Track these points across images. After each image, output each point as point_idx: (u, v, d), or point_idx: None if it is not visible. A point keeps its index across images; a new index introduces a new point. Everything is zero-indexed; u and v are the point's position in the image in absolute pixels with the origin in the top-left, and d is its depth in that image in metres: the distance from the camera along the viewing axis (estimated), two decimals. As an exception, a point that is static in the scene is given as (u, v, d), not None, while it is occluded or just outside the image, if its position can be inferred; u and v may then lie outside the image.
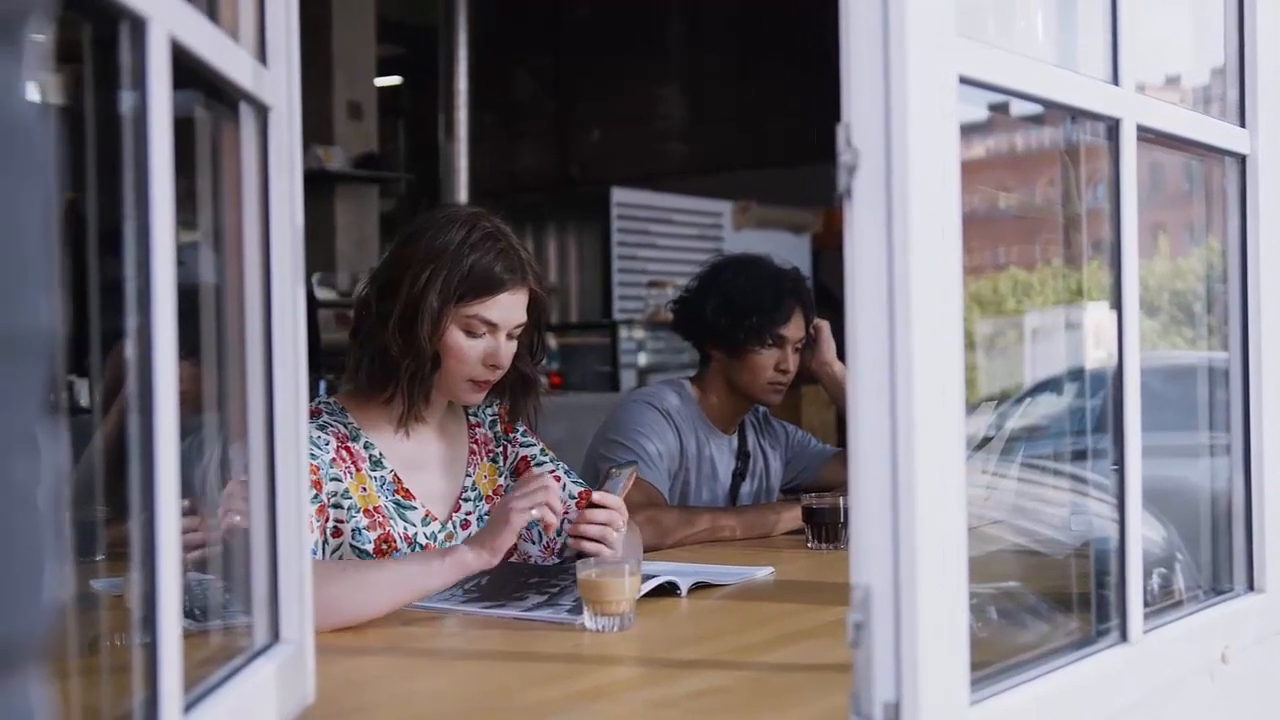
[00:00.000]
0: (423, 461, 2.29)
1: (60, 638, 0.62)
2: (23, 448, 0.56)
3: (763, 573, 2.34)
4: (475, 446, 2.38)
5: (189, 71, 1.13)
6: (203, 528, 1.44)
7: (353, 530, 2.15)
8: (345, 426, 2.21)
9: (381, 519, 2.18)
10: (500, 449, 2.41)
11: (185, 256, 1.11)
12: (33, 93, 0.59)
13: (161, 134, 1.02)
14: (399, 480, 2.23)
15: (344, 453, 2.16)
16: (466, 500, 2.33)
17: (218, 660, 1.29)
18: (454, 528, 2.29)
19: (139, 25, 1.00)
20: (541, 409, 2.40)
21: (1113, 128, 1.53)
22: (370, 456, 2.22)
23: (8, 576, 0.56)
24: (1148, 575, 1.64)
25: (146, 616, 1.00)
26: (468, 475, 2.34)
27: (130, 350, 1.01)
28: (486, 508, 2.34)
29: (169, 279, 1.03)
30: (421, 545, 2.22)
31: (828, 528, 2.64)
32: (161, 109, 1.02)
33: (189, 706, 1.08)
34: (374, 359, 2.20)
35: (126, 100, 1.02)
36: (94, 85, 1.07)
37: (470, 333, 2.20)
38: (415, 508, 2.23)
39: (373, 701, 1.57)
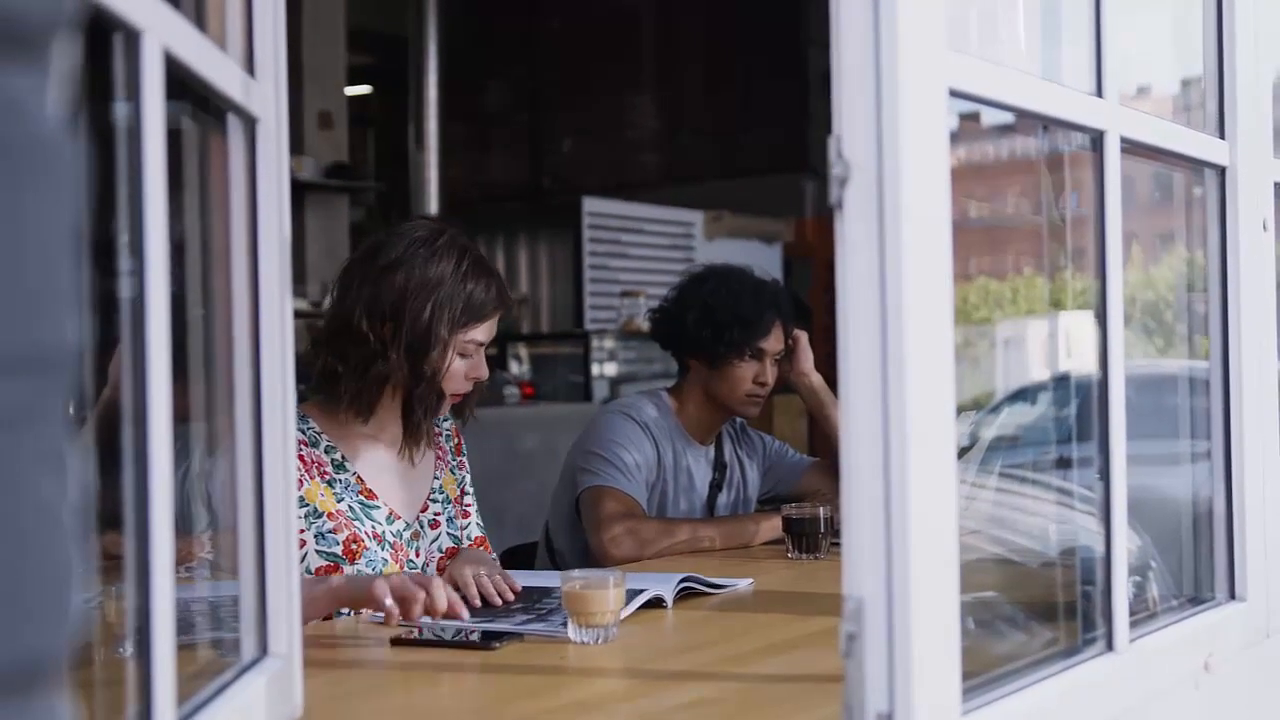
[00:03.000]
0: (389, 465, 2.34)
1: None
2: (51, 465, 0.56)
3: (744, 584, 2.35)
4: (440, 452, 2.46)
5: (177, 82, 1.12)
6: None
7: (317, 535, 2.20)
8: (304, 432, 2.23)
9: (346, 520, 2.23)
10: (457, 462, 2.50)
11: (171, 268, 1.11)
12: (58, 108, 0.59)
13: (155, 145, 1.02)
14: (362, 481, 2.29)
15: (297, 460, 2.18)
16: (435, 501, 2.41)
17: (205, 674, 1.28)
18: (421, 526, 2.36)
19: (133, 37, 1.00)
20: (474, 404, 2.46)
21: (1097, 139, 1.54)
22: (333, 460, 2.27)
23: (38, 594, 0.55)
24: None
25: (140, 631, 1.00)
26: (435, 478, 2.42)
27: (125, 362, 1.00)
28: (453, 510, 2.43)
29: (162, 291, 1.02)
30: (390, 543, 2.28)
31: (808, 538, 2.64)
32: (155, 120, 1.02)
33: (182, 722, 1.08)
34: (375, 386, 2.25)
35: (119, 111, 1.02)
36: (85, 96, 1.06)
37: (463, 355, 2.29)
38: (379, 506, 2.29)
39: (359, 716, 1.56)
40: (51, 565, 0.56)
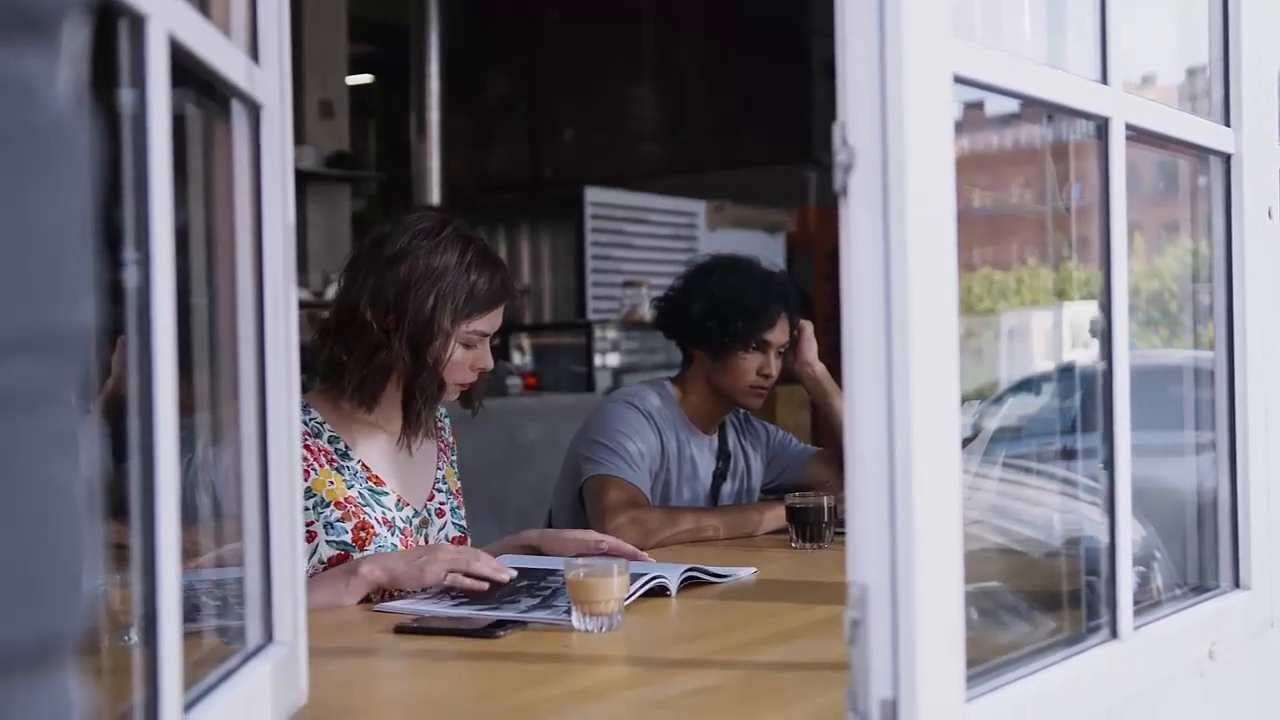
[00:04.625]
0: (393, 455, 2.36)
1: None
2: (63, 446, 0.56)
3: (747, 573, 2.35)
4: (442, 445, 2.48)
5: (182, 68, 1.12)
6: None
7: (325, 525, 2.21)
8: (306, 424, 2.24)
9: (355, 508, 2.25)
10: (454, 458, 2.52)
11: (175, 257, 1.10)
12: (69, 90, 0.58)
13: (160, 131, 1.01)
14: (368, 469, 2.30)
15: (304, 450, 2.19)
16: (439, 491, 2.43)
17: (209, 661, 1.28)
18: (429, 514, 2.38)
19: (138, 22, 0.99)
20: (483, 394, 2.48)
21: (1101, 126, 1.54)
22: (336, 450, 2.28)
23: (51, 575, 0.55)
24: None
25: (147, 618, 1.00)
26: (438, 469, 2.44)
27: (130, 350, 1.00)
28: (456, 502, 2.46)
29: (168, 279, 1.02)
30: (400, 529, 2.30)
31: (811, 527, 2.64)
32: (160, 106, 1.01)
33: (188, 707, 1.08)
34: (378, 375, 2.26)
35: (124, 97, 1.02)
36: (90, 82, 1.06)
37: (467, 345, 2.30)
38: (388, 493, 2.31)
39: (364, 703, 1.56)
40: (65, 546, 0.56)
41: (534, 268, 8.67)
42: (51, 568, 0.56)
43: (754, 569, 2.37)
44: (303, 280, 7.22)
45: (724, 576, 2.27)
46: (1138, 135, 1.61)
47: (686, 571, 2.20)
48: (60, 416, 0.57)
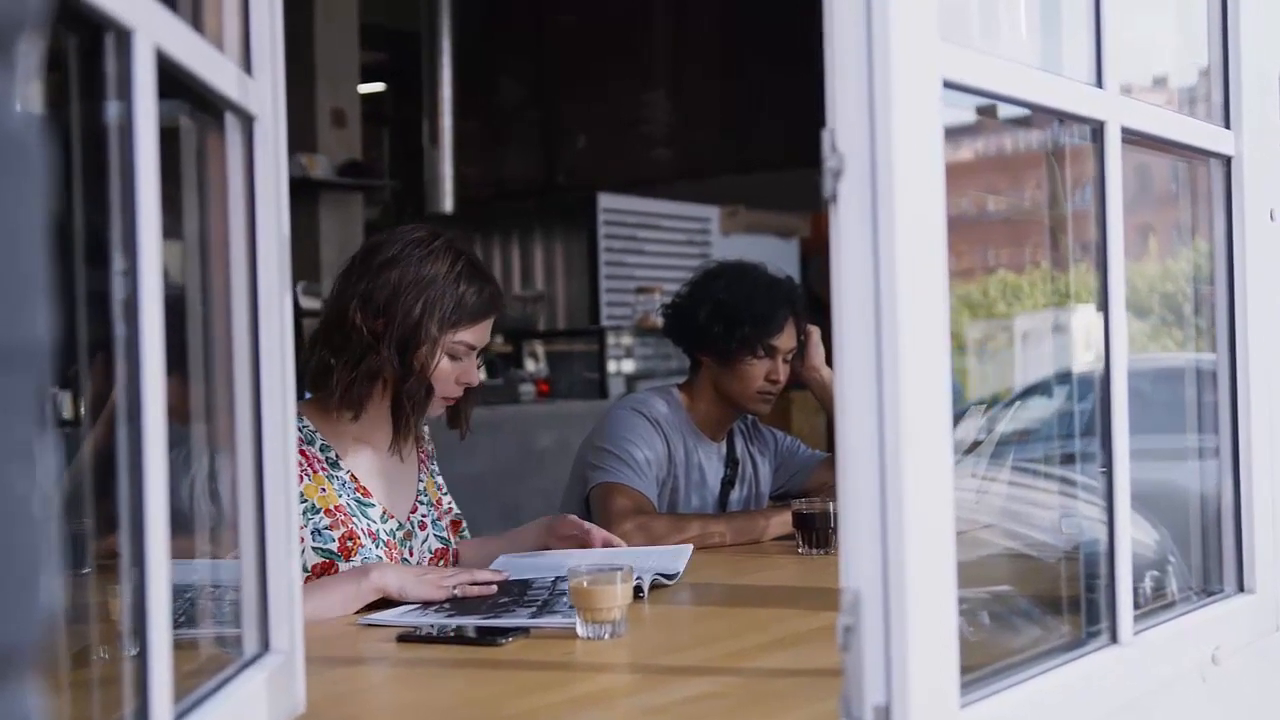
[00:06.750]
0: (379, 467, 2.38)
1: (50, 649, 0.63)
2: (20, 457, 0.57)
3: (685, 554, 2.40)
4: (423, 457, 2.50)
5: (173, 81, 1.12)
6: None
7: (314, 532, 2.23)
8: (300, 431, 2.25)
9: (344, 517, 2.27)
10: (434, 465, 2.55)
11: (169, 267, 1.11)
12: (27, 104, 0.59)
13: (147, 144, 1.02)
14: (356, 479, 2.32)
15: (298, 456, 2.20)
16: (422, 503, 2.45)
17: (206, 671, 1.28)
18: (413, 527, 2.41)
19: (124, 36, 1.00)
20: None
21: (1097, 130, 1.54)
22: (327, 458, 2.31)
23: (6, 585, 0.56)
24: (1140, 578, 1.64)
25: (137, 627, 1.00)
26: (420, 481, 2.47)
27: (118, 362, 1.01)
28: (436, 514, 2.47)
29: (156, 290, 1.03)
30: (384, 541, 2.32)
31: (818, 533, 2.64)
32: (147, 119, 1.02)
33: (180, 716, 1.08)
34: (365, 380, 2.28)
35: (111, 110, 1.02)
36: (78, 94, 1.06)
37: (453, 357, 2.32)
38: (374, 505, 2.33)
39: (362, 712, 1.56)
40: (21, 557, 0.57)
41: (547, 274, 8.66)
42: (7, 579, 0.56)
43: (689, 547, 2.43)
44: (314, 290, 7.22)
45: (673, 576, 2.30)
46: (1136, 139, 1.61)
47: (654, 575, 2.23)
48: (17, 427, 0.57)
